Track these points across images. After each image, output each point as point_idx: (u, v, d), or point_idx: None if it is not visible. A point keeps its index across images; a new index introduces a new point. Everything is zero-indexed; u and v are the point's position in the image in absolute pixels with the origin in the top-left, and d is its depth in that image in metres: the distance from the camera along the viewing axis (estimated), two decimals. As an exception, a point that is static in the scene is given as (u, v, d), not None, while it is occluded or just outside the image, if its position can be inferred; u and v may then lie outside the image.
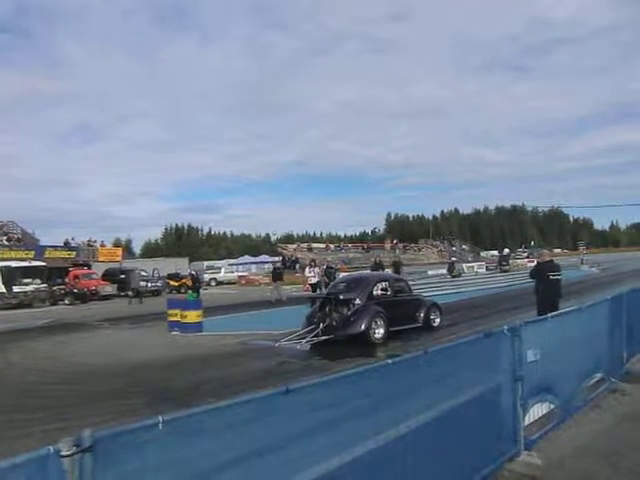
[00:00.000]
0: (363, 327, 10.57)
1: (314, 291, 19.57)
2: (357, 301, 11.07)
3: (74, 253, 34.16)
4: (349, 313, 10.91)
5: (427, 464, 3.29)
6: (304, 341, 10.47)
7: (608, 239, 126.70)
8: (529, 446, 4.33)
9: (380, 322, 10.84)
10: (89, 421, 5.66)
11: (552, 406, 4.85)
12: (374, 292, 11.59)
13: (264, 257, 51.71)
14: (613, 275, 29.79)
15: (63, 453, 1.75)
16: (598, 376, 6.02)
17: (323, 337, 10.65)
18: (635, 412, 5.43)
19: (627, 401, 5.81)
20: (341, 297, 11.21)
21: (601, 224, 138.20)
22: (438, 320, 12.46)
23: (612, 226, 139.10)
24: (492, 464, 3.94)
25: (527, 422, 4.42)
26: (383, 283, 12.15)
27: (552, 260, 9.89)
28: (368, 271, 20.25)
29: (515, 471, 4.02)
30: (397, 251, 47.74)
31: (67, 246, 34.87)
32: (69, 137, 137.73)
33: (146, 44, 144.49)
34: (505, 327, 4.25)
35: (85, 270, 30.60)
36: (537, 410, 4.64)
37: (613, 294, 7.01)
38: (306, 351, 10.04)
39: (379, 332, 10.77)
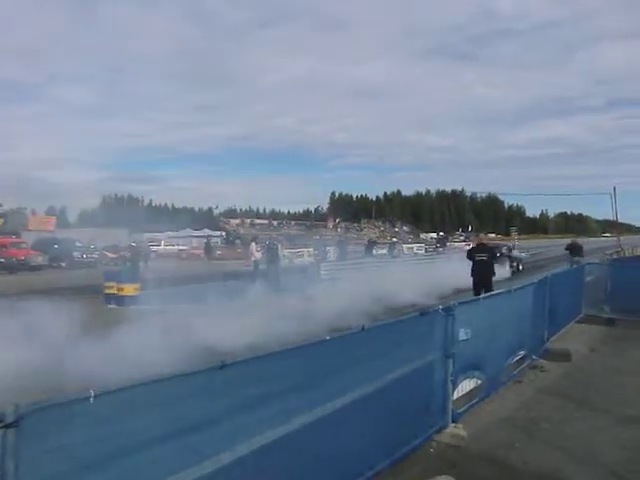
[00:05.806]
0: None
1: (256, 267, 19.44)
2: None
3: (1, 220, 32.03)
4: None
5: (362, 436, 3.41)
6: None
7: (538, 226, 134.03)
8: (456, 419, 4.57)
9: None
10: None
11: (479, 381, 5.15)
12: None
13: (206, 231, 50.71)
14: (541, 260, 31.68)
15: (-17, 429, 1.66)
16: (522, 353, 6.44)
17: None
18: (551, 386, 5.90)
19: (544, 376, 6.28)
20: None
21: (532, 212, 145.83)
22: None
23: (542, 214, 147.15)
24: (422, 436, 4.14)
25: (456, 396, 4.66)
26: None
27: (486, 244, 10.38)
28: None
29: (442, 442, 4.25)
30: (339, 230, 48.26)
31: (-8, 212, 32.70)
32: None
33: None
34: (440, 306, 4.43)
35: (13, 239, 28.80)
36: (465, 385, 4.91)
37: (538, 278, 7.48)
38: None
39: None
